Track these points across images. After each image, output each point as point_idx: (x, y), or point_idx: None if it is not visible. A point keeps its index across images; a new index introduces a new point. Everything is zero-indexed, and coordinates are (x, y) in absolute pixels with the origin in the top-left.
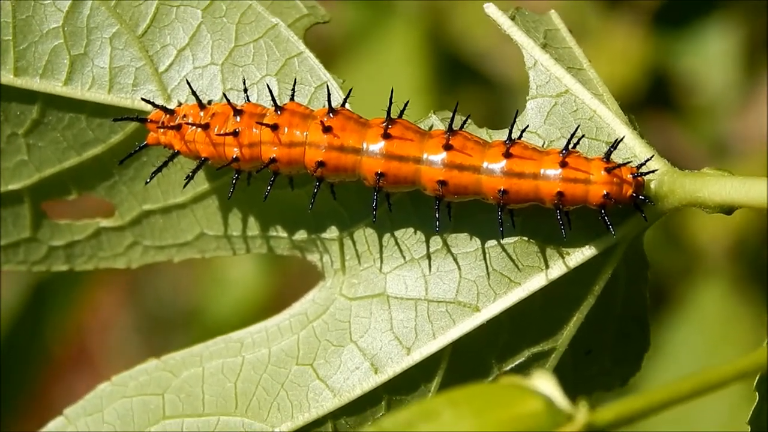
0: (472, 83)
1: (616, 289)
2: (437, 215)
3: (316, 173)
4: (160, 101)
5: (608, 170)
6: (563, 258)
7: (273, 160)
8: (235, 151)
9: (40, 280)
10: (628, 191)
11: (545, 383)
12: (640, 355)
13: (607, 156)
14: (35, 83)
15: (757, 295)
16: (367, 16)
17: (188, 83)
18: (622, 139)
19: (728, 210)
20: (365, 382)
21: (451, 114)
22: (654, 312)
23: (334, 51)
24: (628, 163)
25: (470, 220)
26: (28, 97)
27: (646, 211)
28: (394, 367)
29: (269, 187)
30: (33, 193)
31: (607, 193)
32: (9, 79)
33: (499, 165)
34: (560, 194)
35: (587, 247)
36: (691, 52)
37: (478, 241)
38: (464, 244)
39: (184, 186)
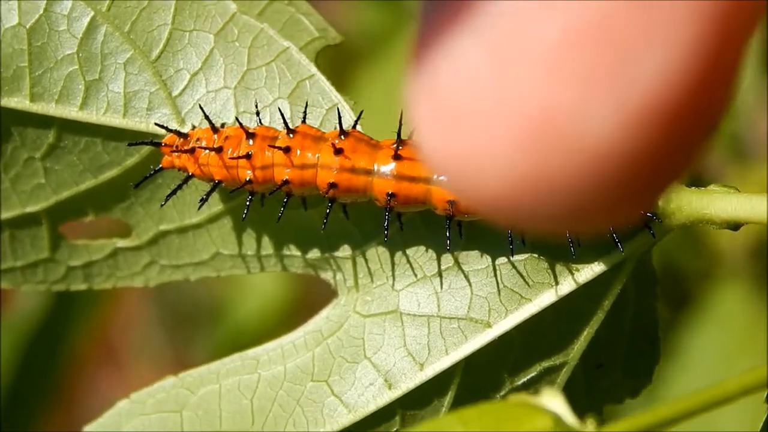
0: None
1: (625, 304)
2: (448, 234)
3: (328, 194)
4: (174, 125)
5: None
6: (573, 274)
7: (286, 182)
8: (248, 174)
9: None
10: None
11: (554, 401)
12: (650, 368)
13: None
14: (51, 108)
15: None
16: (386, 21)
17: (201, 108)
18: None
19: (734, 226)
20: (379, 397)
21: None
22: (674, 314)
23: (352, 55)
24: None
25: (480, 238)
26: (45, 122)
27: (654, 227)
28: (407, 383)
29: (282, 209)
30: (50, 215)
31: None
32: (25, 105)
33: None
34: None
35: (596, 263)
36: None
37: (489, 259)
38: (475, 261)
39: (199, 208)
